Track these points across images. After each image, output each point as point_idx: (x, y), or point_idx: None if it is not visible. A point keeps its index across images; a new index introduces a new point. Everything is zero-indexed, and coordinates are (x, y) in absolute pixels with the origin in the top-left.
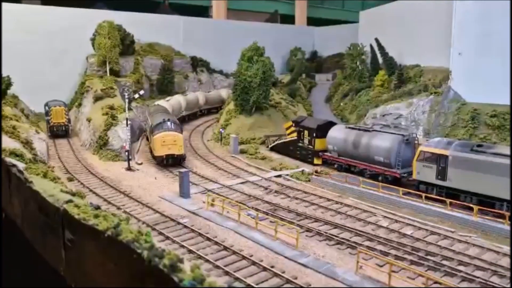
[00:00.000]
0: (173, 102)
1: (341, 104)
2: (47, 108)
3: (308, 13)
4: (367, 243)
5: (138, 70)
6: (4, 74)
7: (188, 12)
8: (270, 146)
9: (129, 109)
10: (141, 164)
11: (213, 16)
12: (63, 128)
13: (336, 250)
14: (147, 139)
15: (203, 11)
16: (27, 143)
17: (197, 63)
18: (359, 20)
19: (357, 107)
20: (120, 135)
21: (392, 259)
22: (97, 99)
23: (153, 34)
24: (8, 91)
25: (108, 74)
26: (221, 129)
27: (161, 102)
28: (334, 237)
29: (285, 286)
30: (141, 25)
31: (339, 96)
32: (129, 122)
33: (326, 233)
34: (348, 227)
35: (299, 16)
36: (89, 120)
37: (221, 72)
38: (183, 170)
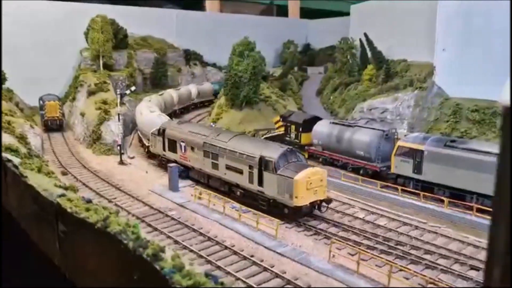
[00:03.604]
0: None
1: (331, 97)
2: (41, 102)
3: (301, 4)
4: (342, 233)
5: (131, 64)
6: None
7: (182, 3)
8: None
9: (122, 103)
10: (133, 158)
11: (206, 7)
12: (58, 122)
13: (313, 240)
14: (165, 149)
15: (197, 3)
16: (22, 138)
17: (190, 56)
18: (350, 14)
19: (346, 101)
20: (113, 129)
21: (364, 249)
22: (90, 93)
23: (146, 28)
24: (3, 85)
25: (101, 68)
26: (211, 123)
27: (148, 112)
28: (312, 228)
29: (263, 274)
30: (135, 19)
31: (329, 89)
32: (121, 117)
33: (304, 224)
34: (326, 218)
35: (293, 8)
36: (82, 114)
37: (214, 65)
38: (172, 164)
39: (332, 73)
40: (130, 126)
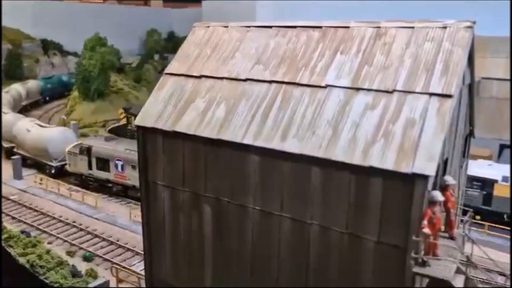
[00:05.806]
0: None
1: None
2: None
3: None
4: None
5: None
6: None
7: None
8: (108, 129)
9: None
10: None
11: None
12: None
13: (125, 208)
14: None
15: None
16: None
17: (49, 46)
18: (202, 9)
19: None
20: None
21: None
22: None
23: None
24: None
25: None
26: (63, 116)
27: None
28: (126, 199)
29: (79, 233)
30: None
31: None
32: None
33: (122, 197)
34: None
35: None
36: None
37: (75, 54)
38: (15, 157)
39: None
40: None
